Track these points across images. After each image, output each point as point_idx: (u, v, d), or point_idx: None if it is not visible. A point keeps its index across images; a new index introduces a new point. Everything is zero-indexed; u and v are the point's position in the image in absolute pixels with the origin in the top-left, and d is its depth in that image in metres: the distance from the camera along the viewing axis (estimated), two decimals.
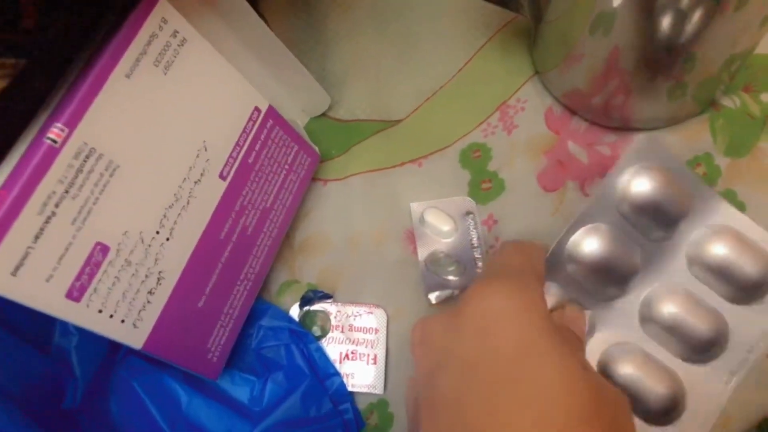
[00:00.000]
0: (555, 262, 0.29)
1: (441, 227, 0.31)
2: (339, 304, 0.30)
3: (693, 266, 0.28)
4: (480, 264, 0.31)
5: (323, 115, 0.34)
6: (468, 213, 0.32)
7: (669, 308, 0.28)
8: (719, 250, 0.28)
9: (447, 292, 0.30)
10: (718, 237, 0.28)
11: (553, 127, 0.33)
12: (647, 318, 0.28)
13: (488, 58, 0.34)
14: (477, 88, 0.33)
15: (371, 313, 0.30)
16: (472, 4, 0.31)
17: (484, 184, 0.32)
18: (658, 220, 0.29)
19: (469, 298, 0.22)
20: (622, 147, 0.31)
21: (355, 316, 0.30)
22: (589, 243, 0.29)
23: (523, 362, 0.19)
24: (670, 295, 0.28)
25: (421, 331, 0.24)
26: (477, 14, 0.34)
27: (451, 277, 0.30)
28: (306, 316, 0.31)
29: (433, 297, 0.30)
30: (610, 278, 0.29)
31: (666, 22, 0.25)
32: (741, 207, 0.29)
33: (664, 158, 0.29)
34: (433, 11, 0.35)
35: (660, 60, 0.28)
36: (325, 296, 0.30)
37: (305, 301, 0.30)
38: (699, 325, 0.27)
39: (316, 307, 0.30)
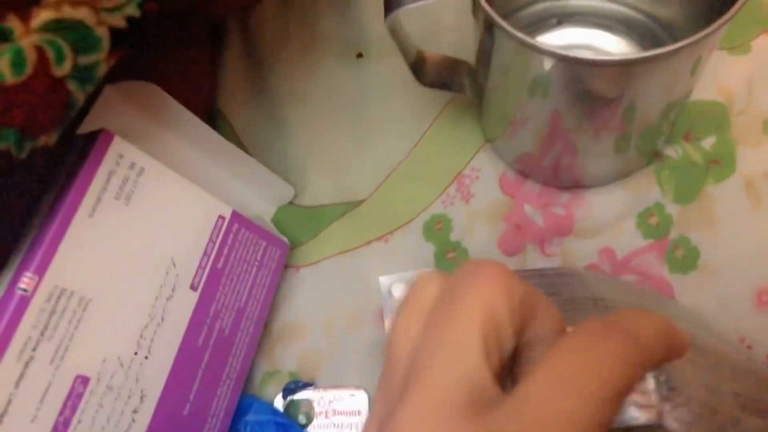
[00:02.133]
0: None
1: None
2: (321, 390, 0.31)
3: None
4: None
5: (290, 203, 0.36)
6: None
7: None
8: None
9: None
10: None
11: (508, 191, 0.34)
12: None
13: (440, 132, 0.35)
14: (433, 162, 0.35)
15: (353, 395, 0.31)
16: (418, 85, 0.32)
17: (448, 254, 0.33)
18: None
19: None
20: (575, 205, 0.33)
21: (338, 400, 0.31)
22: None
23: None
24: None
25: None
26: (424, 92, 0.36)
27: None
28: (290, 406, 0.32)
29: None
30: None
31: (599, 79, 0.27)
32: (695, 252, 0.31)
33: None
34: (382, 93, 0.36)
35: (600, 115, 0.29)
36: (306, 385, 0.31)
37: (287, 391, 0.31)
38: None
39: (299, 395, 0.31)
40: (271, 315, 0.34)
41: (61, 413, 0.24)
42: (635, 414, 0.16)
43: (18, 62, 0.18)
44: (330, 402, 0.31)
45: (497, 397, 0.14)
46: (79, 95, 0.20)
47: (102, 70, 0.20)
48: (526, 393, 0.13)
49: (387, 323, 0.32)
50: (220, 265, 0.30)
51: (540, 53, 0.25)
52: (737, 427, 0.20)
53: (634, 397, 0.16)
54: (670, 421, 0.17)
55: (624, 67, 0.25)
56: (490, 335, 0.15)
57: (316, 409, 0.31)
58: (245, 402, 0.31)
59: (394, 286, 0.33)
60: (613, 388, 0.13)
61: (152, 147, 0.27)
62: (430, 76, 0.32)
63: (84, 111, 0.26)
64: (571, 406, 0.13)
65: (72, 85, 0.19)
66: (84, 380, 0.25)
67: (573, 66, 0.25)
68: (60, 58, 0.19)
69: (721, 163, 0.31)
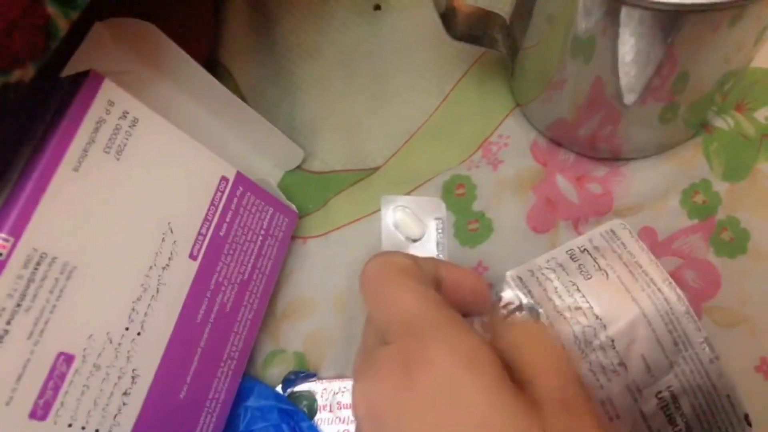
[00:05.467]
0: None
1: (408, 232, 0.30)
2: (324, 381, 0.28)
3: None
4: None
5: (298, 168, 0.33)
6: (437, 218, 0.30)
7: None
8: None
9: None
10: None
11: (540, 159, 0.31)
12: None
13: (465, 94, 0.32)
14: (456, 127, 0.32)
15: None
16: (443, 40, 0.29)
17: (470, 225, 0.30)
18: None
19: (416, 362, 0.18)
20: (612, 182, 0.30)
21: (343, 392, 0.28)
22: None
23: None
24: None
25: (365, 401, 0.19)
26: (449, 50, 0.33)
27: None
28: (290, 398, 0.29)
29: None
30: None
31: (652, 44, 0.24)
32: (745, 235, 0.28)
33: None
34: (402, 50, 0.33)
35: (648, 84, 0.26)
36: (309, 375, 0.28)
37: (287, 383, 0.28)
38: None
39: (300, 387, 0.28)
40: (277, 290, 0.31)
41: (41, 395, 0.21)
42: None
43: None
44: (335, 394, 0.28)
45: None
46: (61, 21, 0.16)
47: None
48: None
49: (384, 247, 0.30)
50: (222, 233, 0.27)
51: None
52: None
53: None
54: None
55: (690, 15, 0.22)
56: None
57: (320, 401, 0.28)
58: (246, 385, 0.28)
59: (397, 211, 0.30)
60: None
61: (148, 95, 0.24)
62: (461, 29, 0.29)
63: (72, 51, 0.23)
64: None
65: (52, 7, 0.16)
66: (68, 358, 0.21)
67: (633, 12, 0.22)
68: None
69: None
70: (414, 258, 0.21)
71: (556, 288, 0.22)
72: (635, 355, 0.21)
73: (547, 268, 0.23)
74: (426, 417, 0.17)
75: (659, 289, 0.22)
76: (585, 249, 0.23)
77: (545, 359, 0.19)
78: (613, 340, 0.21)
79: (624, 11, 0.22)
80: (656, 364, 0.22)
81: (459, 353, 0.18)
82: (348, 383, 0.28)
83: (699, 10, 0.21)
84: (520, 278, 0.23)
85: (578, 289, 0.22)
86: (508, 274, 0.23)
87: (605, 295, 0.22)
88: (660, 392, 0.22)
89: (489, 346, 0.18)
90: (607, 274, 0.22)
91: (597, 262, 0.23)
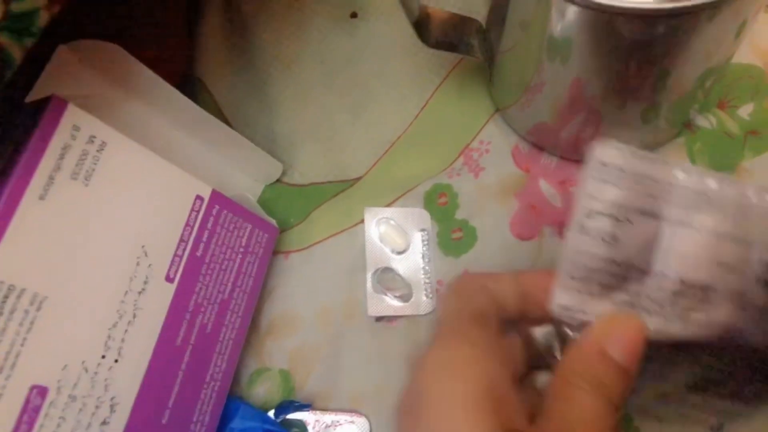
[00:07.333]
0: None
1: (393, 244, 0.29)
2: (318, 412, 0.28)
3: None
4: (427, 290, 0.29)
5: (278, 181, 0.32)
6: (422, 230, 0.30)
7: None
8: None
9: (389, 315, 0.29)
10: None
11: (522, 165, 0.30)
12: None
13: (444, 101, 0.32)
14: (436, 135, 0.31)
15: (352, 422, 0.28)
16: (421, 46, 0.28)
17: (454, 234, 0.30)
18: None
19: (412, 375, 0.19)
20: None
21: (335, 425, 0.27)
22: None
23: None
24: None
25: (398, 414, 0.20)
26: (427, 56, 0.32)
27: (395, 303, 0.29)
28: (282, 424, 0.28)
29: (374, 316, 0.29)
30: None
31: (628, 45, 0.23)
32: None
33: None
34: (380, 58, 0.33)
35: (627, 84, 0.26)
36: (303, 406, 0.28)
37: (281, 410, 0.28)
38: None
39: (292, 416, 0.28)
40: (259, 307, 0.30)
41: (15, 430, 0.20)
42: None
43: None
44: (326, 427, 0.28)
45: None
46: (15, 50, 0.16)
47: (42, 19, 0.16)
48: None
49: (368, 260, 0.29)
50: (199, 253, 0.26)
51: (568, 1, 0.21)
52: None
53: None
54: None
55: (666, 19, 0.21)
56: None
57: None
58: (230, 406, 0.28)
59: (381, 223, 0.30)
60: None
61: (117, 117, 0.24)
62: (435, 36, 0.29)
63: (36, 76, 0.22)
64: None
65: (5, 37, 0.16)
66: (41, 391, 0.21)
67: (605, 17, 0.22)
68: None
69: (759, 134, 0.28)
70: (491, 281, 0.20)
71: None
72: None
73: None
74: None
75: None
76: None
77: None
78: None
79: (595, 16, 0.21)
80: None
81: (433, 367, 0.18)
82: (341, 416, 0.28)
83: (668, 15, 0.20)
84: None
85: None
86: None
87: None
88: None
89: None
90: None
91: None
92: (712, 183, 0.20)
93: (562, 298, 0.20)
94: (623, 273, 0.20)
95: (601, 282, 0.20)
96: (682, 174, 0.20)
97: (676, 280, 0.20)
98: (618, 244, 0.20)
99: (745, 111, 0.29)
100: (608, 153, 0.20)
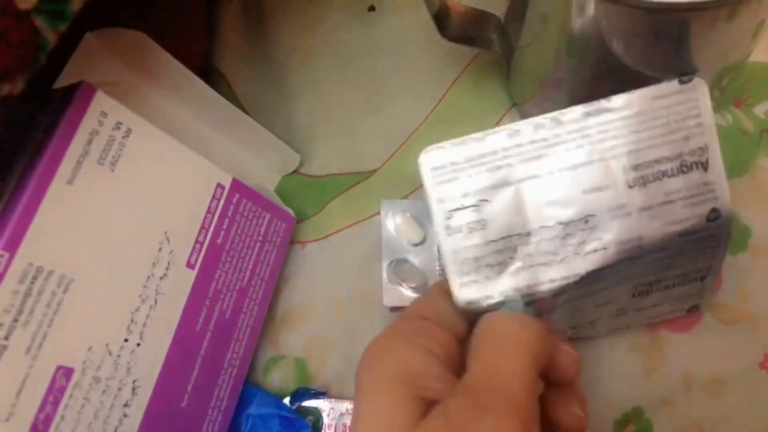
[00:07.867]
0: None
1: (409, 236, 0.30)
2: (333, 400, 0.28)
3: None
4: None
5: (295, 172, 0.33)
6: None
7: None
8: None
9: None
10: None
11: None
12: None
13: (461, 95, 0.32)
14: (452, 128, 0.31)
15: None
16: (438, 40, 0.29)
17: None
18: None
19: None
20: None
21: (350, 413, 0.28)
22: None
23: None
24: None
25: None
26: (443, 50, 0.32)
27: (411, 293, 0.29)
28: (297, 411, 0.28)
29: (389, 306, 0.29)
30: None
31: (648, 41, 0.24)
32: (746, 231, 0.28)
33: None
34: (397, 51, 0.33)
35: (647, 80, 0.26)
36: (319, 394, 0.28)
37: (296, 397, 0.28)
38: None
39: (308, 403, 0.28)
40: (276, 295, 0.31)
41: (41, 409, 0.21)
42: None
43: None
44: (341, 415, 0.28)
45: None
46: (50, 34, 0.16)
47: (76, 4, 0.16)
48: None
49: (384, 253, 0.29)
50: (219, 240, 0.27)
51: None
52: None
53: None
54: None
55: (687, 13, 0.21)
56: None
57: (326, 420, 0.28)
58: (246, 393, 0.28)
59: (397, 215, 0.30)
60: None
61: (141, 105, 0.24)
62: (454, 30, 0.29)
63: (63, 63, 0.23)
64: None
65: (40, 21, 0.16)
66: (67, 372, 0.21)
67: (628, 13, 0.22)
68: None
69: None
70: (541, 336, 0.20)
71: None
72: None
73: None
74: None
75: None
76: None
77: (485, 349, 0.19)
78: None
79: (617, 10, 0.21)
80: None
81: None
82: None
83: (689, 9, 0.21)
84: None
85: None
86: None
87: None
88: None
89: None
90: None
91: None
92: (541, 129, 0.21)
93: (465, 296, 0.21)
94: (506, 245, 0.21)
95: (490, 264, 0.21)
96: (509, 135, 0.21)
97: (555, 226, 0.20)
98: (488, 225, 0.21)
99: (761, 109, 0.29)
100: (433, 156, 0.21)
